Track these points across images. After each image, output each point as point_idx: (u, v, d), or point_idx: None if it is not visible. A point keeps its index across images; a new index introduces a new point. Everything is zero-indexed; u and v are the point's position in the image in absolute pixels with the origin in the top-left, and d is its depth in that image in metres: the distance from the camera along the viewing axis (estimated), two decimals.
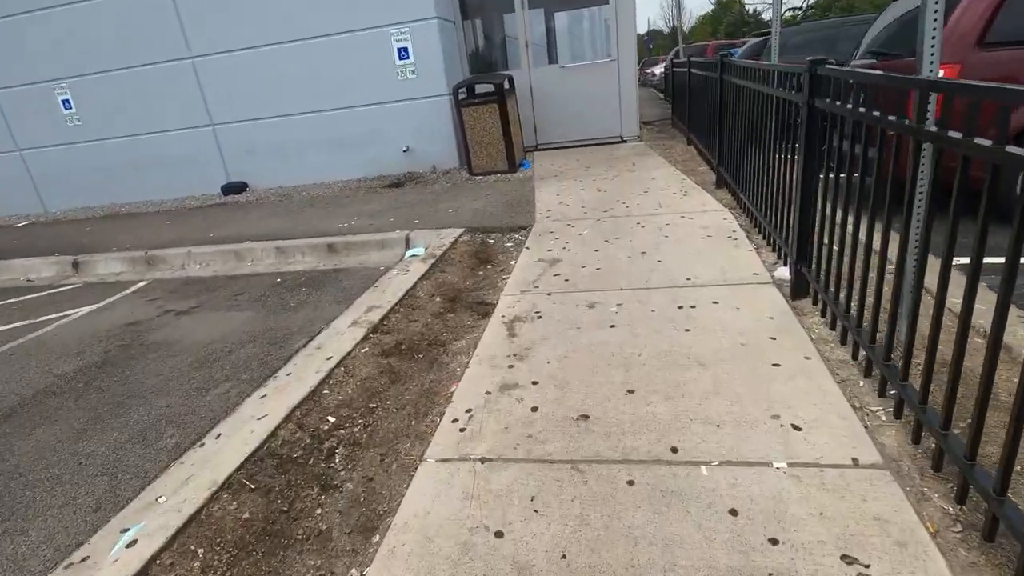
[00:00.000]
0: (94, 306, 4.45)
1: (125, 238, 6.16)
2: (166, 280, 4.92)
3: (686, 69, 7.19)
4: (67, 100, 8.10)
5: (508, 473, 1.88)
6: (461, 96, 6.91)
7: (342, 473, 2.01)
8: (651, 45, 49.72)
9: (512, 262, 3.92)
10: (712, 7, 56.67)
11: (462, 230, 4.71)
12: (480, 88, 7.01)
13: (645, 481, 1.76)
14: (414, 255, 4.53)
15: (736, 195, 4.46)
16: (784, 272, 3.04)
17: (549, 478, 1.83)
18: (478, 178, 6.97)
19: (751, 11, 53.68)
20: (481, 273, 3.85)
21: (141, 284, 4.90)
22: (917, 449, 1.75)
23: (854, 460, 1.73)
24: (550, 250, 3.95)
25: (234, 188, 8.05)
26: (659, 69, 24.63)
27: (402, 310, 3.31)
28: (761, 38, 8.75)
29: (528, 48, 7.72)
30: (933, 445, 1.70)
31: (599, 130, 7.93)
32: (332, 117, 7.68)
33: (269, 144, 7.96)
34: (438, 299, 3.43)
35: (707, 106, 5.70)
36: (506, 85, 7.21)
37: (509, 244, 4.37)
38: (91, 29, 7.63)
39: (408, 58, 7.22)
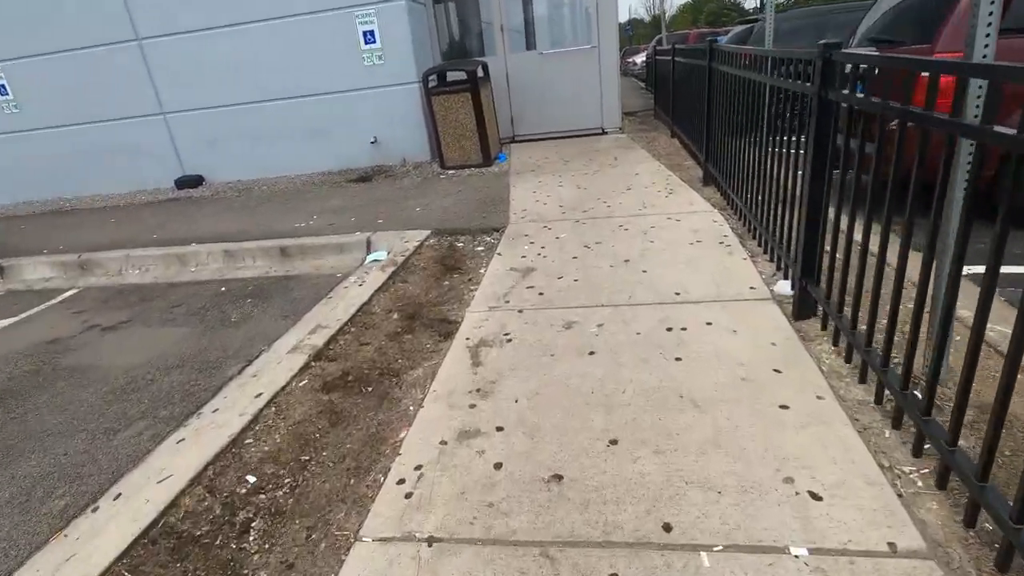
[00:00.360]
0: (10, 320, 3.95)
1: (62, 238, 5.61)
2: (99, 288, 4.42)
3: (670, 57, 6.81)
4: (2, 85, 7.44)
5: (461, 560, 1.50)
6: (431, 84, 6.45)
7: (255, 557, 1.61)
8: (631, 34, 49.34)
9: (482, 270, 3.52)
10: None
11: (429, 232, 4.29)
12: (452, 76, 6.56)
13: (632, 575, 1.40)
14: (375, 260, 4.11)
15: (726, 194, 4.12)
16: (785, 286, 2.70)
17: (512, 569, 1.46)
18: (450, 172, 6.53)
19: (731, 2, 53.60)
20: (447, 283, 3.44)
21: (70, 293, 4.39)
22: (970, 532, 1.41)
23: (890, 546, 1.39)
24: (524, 256, 3.56)
25: (189, 182, 7.49)
26: (640, 58, 24.22)
27: (353, 330, 2.90)
28: (746, 25, 8.42)
29: (504, 33, 7.27)
30: (990, 526, 1.36)
31: (579, 121, 7.54)
32: (295, 106, 7.16)
33: (227, 134, 7.40)
34: (396, 316, 3.03)
35: (693, 97, 5.33)
36: (480, 73, 6.77)
37: (480, 248, 3.97)
38: (27, 6, 6.97)
39: (375, 42, 6.72)
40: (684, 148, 6.21)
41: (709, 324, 2.48)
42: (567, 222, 4.12)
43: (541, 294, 2.99)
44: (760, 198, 3.17)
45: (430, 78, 6.38)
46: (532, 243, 3.77)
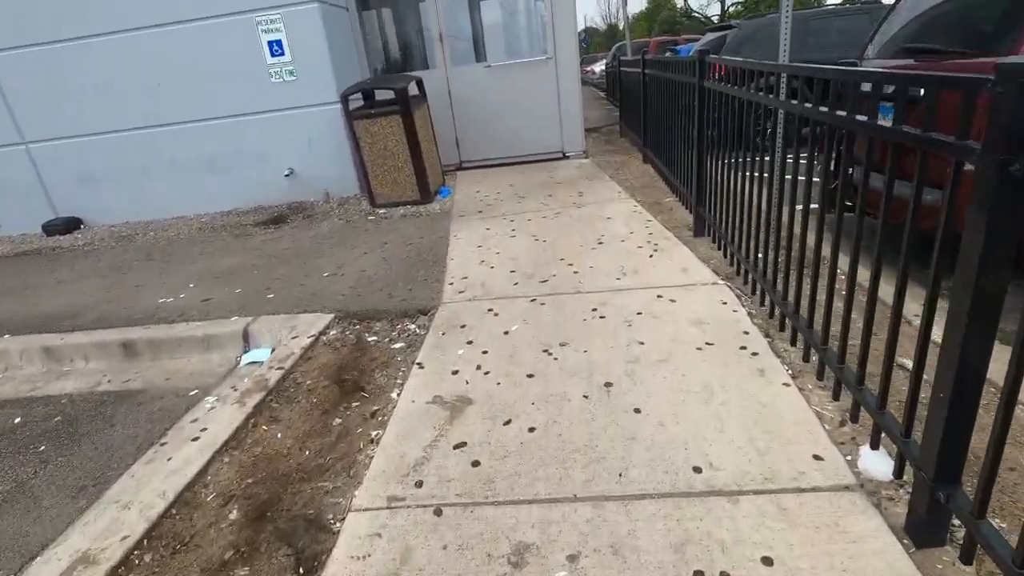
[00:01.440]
0: None
1: None
2: None
3: (638, 70, 5.82)
4: None
5: None
6: (354, 105, 5.26)
7: None
8: (587, 43, 49.13)
9: (394, 392, 2.36)
10: (647, 5, 56.77)
11: (331, 317, 3.10)
12: (382, 95, 5.39)
13: None
14: (253, 362, 2.90)
15: (730, 255, 3.08)
16: (880, 464, 1.63)
17: None
18: (382, 212, 5.35)
19: (683, 8, 54.12)
20: (338, 422, 2.26)
21: None
22: None
23: None
24: (456, 372, 2.41)
25: (59, 227, 6.07)
26: (599, 67, 23.53)
27: (147, 559, 1.69)
28: (719, 33, 7.55)
29: (443, 43, 6.15)
30: None
31: (536, 144, 6.47)
32: (192, 133, 5.85)
33: (109, 168, 6.03)
34: (235, 512, 1.83)
35: (673, 120, 4.32)
36: (414, 90, 5.62)
37: (398, 345, 2.81)
38: None
39: (283, 54, 5.50)
40: (661, 177, 5.20)
41: (768, 562, 1.39)
42: (520, 300, 3.00)
43: (476, 464, 1.85)
44: (804, 282, 2.12)
45: (351, 98, 5.19)
46: (470, 342, 2.63)
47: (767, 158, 2.60)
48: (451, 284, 3.34)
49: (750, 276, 2.78)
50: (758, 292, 2.70)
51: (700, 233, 3.68)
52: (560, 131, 6.37)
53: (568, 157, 6.48)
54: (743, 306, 2.66)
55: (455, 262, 3.69)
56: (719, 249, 3.34)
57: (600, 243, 3.68)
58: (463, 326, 2.80)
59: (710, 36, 7.87)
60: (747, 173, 2.79)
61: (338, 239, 4.62)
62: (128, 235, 5.78)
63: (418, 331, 2.91)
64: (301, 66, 5.54)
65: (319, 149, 5.82)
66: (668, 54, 14.00)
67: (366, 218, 5.24)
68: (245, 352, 3.03)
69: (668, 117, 4.60)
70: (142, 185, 6.07)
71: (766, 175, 2.47)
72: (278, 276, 3.89)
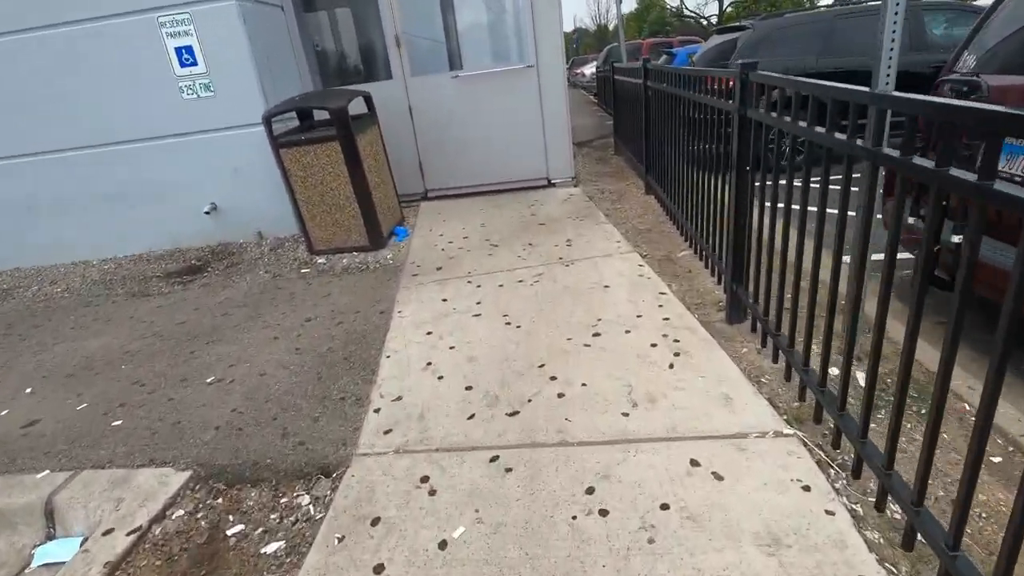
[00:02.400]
0: None
1: None
2: None
3: (639, 81, 4.76)
4: None
5: None
6: (279, 130, 4.16)
7: None
8: (578, 44, 48.28)
9: None
10: (636, 6, 56.06)
11: (185, 478, 2.01)
12: (320, 115, 4.29)
13: None
14: (47, 564, 1.81)
15: (800, 382, 2.01)
16: None
17: None
18: (321, 261, 4.26)
19: (673, 9, 53.33)
20: None
21: None
22: None
23: None
24: None
25: None
26: (589, 69, 22.50)
27: None
28: (728, 35, 6.50)
29: (401, 48, 5.06)
30: None
31: (516, 169, 5.39)
32: (90, 160, 4.72)
33: None
34: None
35: (692, 153, 3.26)
36: (363, 108, 4.53)
37: (271, 548, 1.72)
38: None
39: (195, 63, 4.39)
40: (669, 217, 4.14)
41: None
42: (474, 458, 1.91)
43: None
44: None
45: (275, 120, 4.09)
46: (380, 570, 1.54)
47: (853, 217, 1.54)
48: (377, 411, 2.25)
49: (839, 431, 1.72)
50: (852, 454, 1.63)
51: (737, 318, 2.61)
52: (544, 153, 5.30)
53: (554, 184, 5.41)
54: (836, 492, 1.60)
55: (391, 363, 2.60)
56: (772, 354, 2.28)
57: (596, 334, 2.60)
58: (375, 521, 1.70)
59: (717, 39, 6.83)
60: (819, 246, 1.73)
61: (252, 308, 3.52)
62: (7, 289, 4.64)
63: (312, 511, 1.82)
64: (220, 78, 4.42)
65: (248, 180, 4.71)
66: (663, 59, 12.99)
67: (299, 271, 4.14)
68: (40, 545, 1.93)
69: (682, 145, 3.53)
70: (27, 224, 4.92)
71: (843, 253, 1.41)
72: (147, 378, 2.78)
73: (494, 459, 1.89)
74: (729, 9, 31.14)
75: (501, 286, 3.27)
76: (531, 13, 4.87)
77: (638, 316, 2.72)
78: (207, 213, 4.78)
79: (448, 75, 5.08)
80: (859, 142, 1.49)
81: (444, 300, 3.18)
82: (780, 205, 2.15)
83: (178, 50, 4.35)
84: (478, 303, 3.08)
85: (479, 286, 3.31)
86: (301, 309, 3.40)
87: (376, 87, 5.13)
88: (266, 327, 3.20)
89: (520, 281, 3.30)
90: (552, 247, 3.80)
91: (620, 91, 6.55)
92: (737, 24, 6.63)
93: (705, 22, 34.20)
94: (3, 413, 2.65)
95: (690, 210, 3.43)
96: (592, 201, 4.83)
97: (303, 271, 4.13)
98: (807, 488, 1.61)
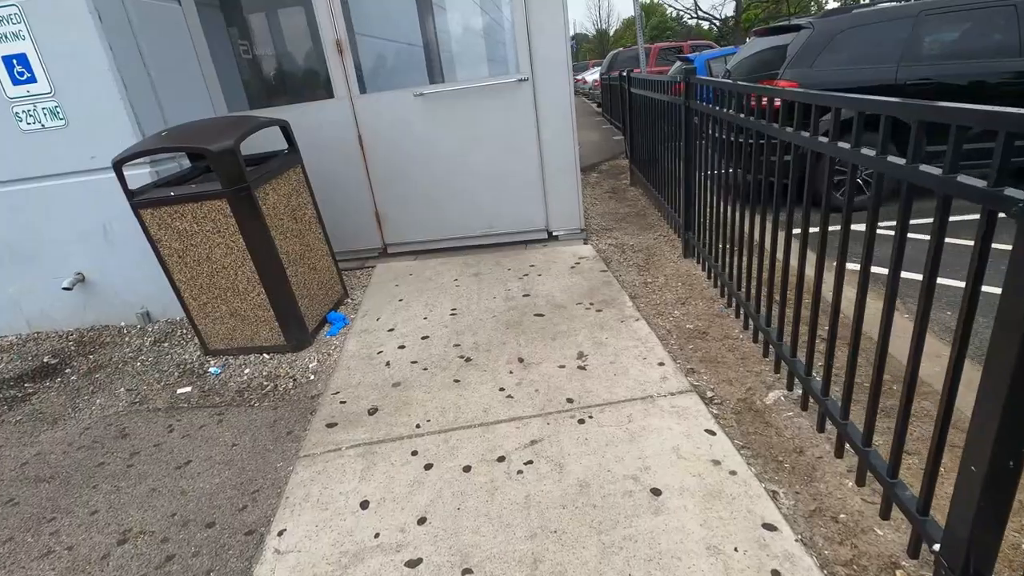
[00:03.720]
0: None
1: None
2: None
3: (675, 99, 3.37)
4: None
5: None
6: (137, 181, 2.78)
7: None
8: (575, 49, 47.08)
9: None
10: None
11: None
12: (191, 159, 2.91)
13: None
14: None
15: None
16: None
17: None
18: (212, 371, 2.86)
19: (673, 15, 52.16)
20: None
21: None
22: None
23: None
24: None
25: None
26: (591, 75, 21.18)
27: None
28: (776, 38, 5.10)
29: (344, 55, 3.66)
30: None
31: (505, 218, 3.99)
32: None
33: None
34: None
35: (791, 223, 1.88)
36: (247, 147, 3.14)
37: None
38: None
39: (33, 79, 3.01)
40: (736, 312, 2.75)
41: None
42: None
43: None
44: None
45: (130, 165, 2.69)
46: None
47: None
48: None
49: None
50: None
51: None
52: (543, 197, 3.90)
53: (556, 238, 4.01)
54: None
55: None
56: None
57: None
58: None
59: (759, 43, 5.44)
60: None
61: (59, 485, 2.12)
62: None
63: None
64: (72, 101, 3.04)
65: (126, 242, 3.32)
66: (677, 64, 11.62)
67: (174, 392, 2.74)
68: None
69: (755, 198, 2.14)
70: None
71: None
72: None
73: None
74: (752, 9, 29.53)
75: (467, 472, 1.86)
76: (524, 11, 3.48)
77: (722, 555, 1.31)
78: (67, 289, 3.38)
79: (410, 92, 3.69)
80: None
81: (363, 506, 1.77)
82: None
83: (6, 60, 2.98)
84: (421, 522, 1.67)
85: (429, 467, 1.90)
86: (129, 500, 1.99)
87: (310, 110, 3.75)
88: (42, 553, 1.79)
89: (500, 461, 1.89)
90: (555, 368, 2.40)
91: (638, 107, 5.17)
92: (784, 24, 5.26)
93: (719, 25, 32.63)
94: None
95: (780, 318, 2.02)
96: (610, 269, 3.43)
97: (179, 392, 2.73)
98: None
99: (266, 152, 3.12)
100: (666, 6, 44.32)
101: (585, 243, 3.91)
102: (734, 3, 31.41)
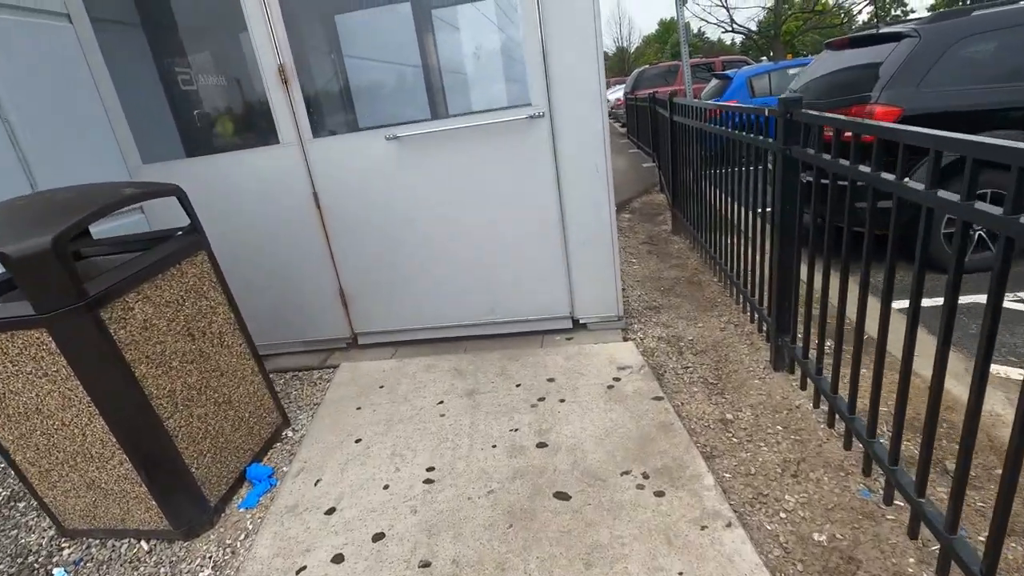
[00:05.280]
0: None
1: None
2: None
3: (754, 137, 2.31)
4: None
5: None
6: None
7: None
8: None
9: None
10: (656, 28, 54.31)
11: None
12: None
13: None
14: None
15: None
16: None
17: None
18: (67, 559, 1.84)
19: (697, 31, 51.20)
20: None
21: None
22: None
23: None
24: None
25: None
26: (615, 94, 20.19)
27: None
28: (865, 49, 3.98)
29: (291, 87, 2.67)
30: None
31: (511, 301, 2.91)
32: None
33: None
34: None
35: None
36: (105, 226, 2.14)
37: None
38: None
39: None
40: (865, 468, 1.63)
41: None
42: None
43: None
44: None
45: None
46: None
47: None
48: None
49: None
50: None
51: None
52: (566, 273, 2.83)
53: (585, 327, 2.93)
54: None
55: None
56: None
57: None
58: None
59: (837, 58, 4.31)
60: None
61: None
62: None
63: None
64: None
65: None
66: (713, 82, 10.52)
67: None
68: None
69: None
70: None
71: None
72: None
73: None
74: (790, 19, 28.01)
75: None
76: (538, 22, 2.45)
77: None
78: None
79: (381, 135, 2.67)
80: None
81: None
82: None
83: None
84: None
85: None
86: None
87: (249, 159, 2.77)
88: None
89: None
90: None
91: (686, 139, 4.10)
92: (872, 33, 4.13)
93: (756, 38, 31.19)
94: None
95: None
96: (666, 392, 2.32)
97: None
98: None
99: (145, 235, 2.13)
100: (698, 19, 43.32)
101: (625, 339, 2.81)
102: (760, 13, 30.19)
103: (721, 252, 3.35)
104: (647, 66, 18.18)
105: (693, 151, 3.83)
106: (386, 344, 3.11)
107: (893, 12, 37.45)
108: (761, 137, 2.33)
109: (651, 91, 9.66)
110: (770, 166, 2.34)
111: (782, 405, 2.18)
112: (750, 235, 2.68)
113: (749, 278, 2.78)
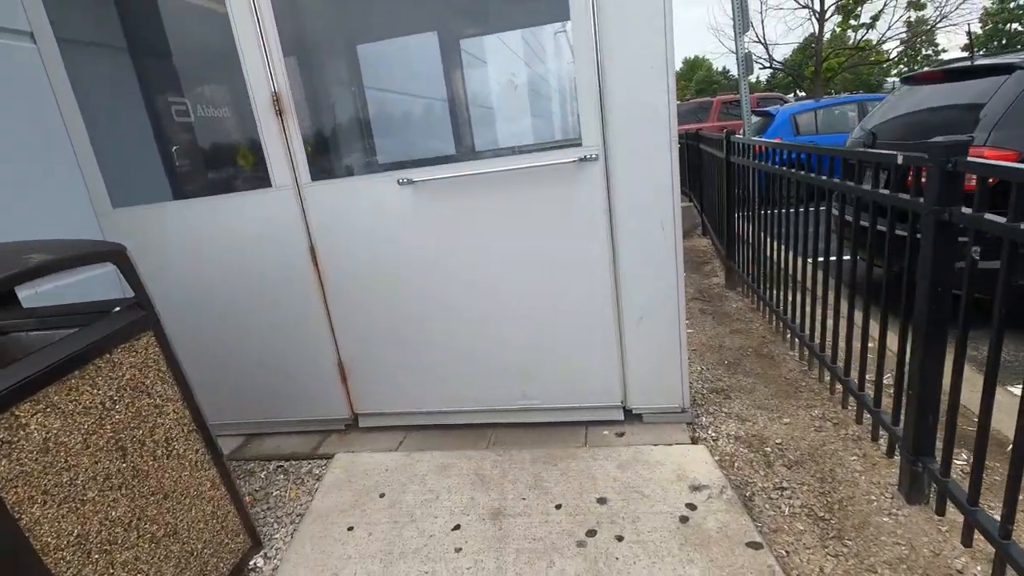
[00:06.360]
0: None
1: None
2: None
3: (893, 195, 1.75)
4: None
5: None
6: None
7: None
8: None
9: None
10: (681, 65, 54.66)
11: None
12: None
13: None
14: None
15: None
16: None
17: None
18: None
19: (721, 68, 51.16)
20: None
21: None
22: None
23: None
24: None
25: None
26: None
27: None
28: (968, 83, 3.42)
29: (287, 119, 2.21)
30: None
31: (548, 384, 2.35)
32: None
33: None
34: None
35: None
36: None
37: None
38: None
39: None
40: None
41: None
42: None
43: None
44: None
45: None
46: None
47: None
48: None
49: None
50: None
51: None
52: (619, 351, 2.26)
53: (640, 419, 2.34)
54: None
55: None
56: None
57: None
58: None
59: (919, 95, 3.74)
60: None
61: None
62: None
63: None
64: None
65: None
66: (754, 120, 10.03)
67: None
68: None
69: None
70: None
71: None
72: None
73: None
74: (829, 60, 27.21)
75: None
76: (595, 44, 1.95)
77: None
78: None
79: (393, 179, 2.18)
80: None
81: None
82: None
83: None
84: None
85: None
86: None
87: (235, 205, 2.29)
88: None
89: None
90: None
91: (743, 182, 3.55)
92: (966, 65, 3.57)
93: (793, 76, 30.44)
94: None
95: None
96: (762, 532, 1.72)
97: None
98: None
99: (87, 304, 1.63)
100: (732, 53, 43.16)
101: (694, 439, 2.21)
102: (788, 50, 29.77)
103: (799, 318, 2.75)
104: (678, 102, 17.83)
105: (756, 197, 3.27)
106: (393, 428, 2.55)
107: (924, 52, 36.82)
108: (901, 195, 1.76)
109: (683, 128, 9.18)
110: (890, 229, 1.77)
111: (935, 567, 1.55)
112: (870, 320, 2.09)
113: (842, 355, 2.17)
